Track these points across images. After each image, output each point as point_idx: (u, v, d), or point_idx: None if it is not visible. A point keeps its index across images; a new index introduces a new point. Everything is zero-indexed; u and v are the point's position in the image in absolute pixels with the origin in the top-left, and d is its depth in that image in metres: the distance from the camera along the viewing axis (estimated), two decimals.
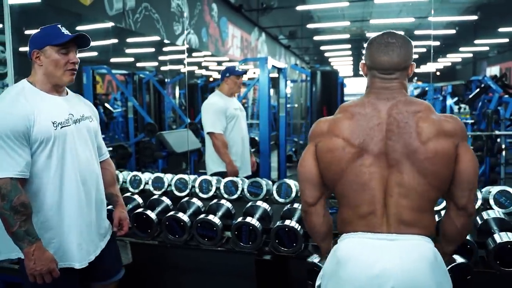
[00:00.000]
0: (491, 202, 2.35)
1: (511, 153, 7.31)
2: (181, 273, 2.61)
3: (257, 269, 2.21)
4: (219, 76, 3.69)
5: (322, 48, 18.24)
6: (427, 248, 1.32)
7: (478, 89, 8.75)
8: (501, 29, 13.95)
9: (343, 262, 1.34)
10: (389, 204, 1.34)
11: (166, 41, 6.56)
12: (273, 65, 5.61)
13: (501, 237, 1.91)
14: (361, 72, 1.51)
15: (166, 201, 2.66)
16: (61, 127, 1.72)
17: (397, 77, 1.41)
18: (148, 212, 2.48)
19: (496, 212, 2.17)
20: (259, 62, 5.24)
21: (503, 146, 6.38)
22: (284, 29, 15.09)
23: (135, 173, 3.20)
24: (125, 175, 3.23)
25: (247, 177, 3.39)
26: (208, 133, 3.41)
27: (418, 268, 1.28)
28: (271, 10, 11.09)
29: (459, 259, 1.56)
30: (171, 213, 2.41)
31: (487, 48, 18.76)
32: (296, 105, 10.32)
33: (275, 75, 6.45)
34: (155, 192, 2.99)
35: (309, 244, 2.23)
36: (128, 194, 2.83)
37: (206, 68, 13.51)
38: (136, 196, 2.75)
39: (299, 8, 10.91)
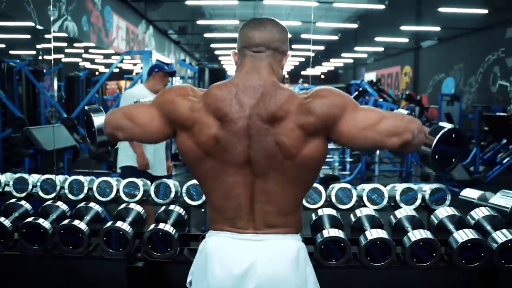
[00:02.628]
0: (365, 199, 2.44)
1: (384, 152, 7.94)
2: (46, 285, 2.32)
3: (129, 277, 2.03)
4: (105, 70, 3.56)
5: (213, 45, 18.21)
6: (290, 245, 1.33)
7: (356, 92, 9.38)
8: (377, 39, 15.15)
9: (210, 259, 1.32)
10: (255, 210, 1.31)
11: (38, 27, 5.95)
12: (158, 60, 5.42)
13: (371, 233, 1.97)
14: (232, 61, 1.42)
15: (26, 205, 2.35)
16: None
17: (267, 57, 1.33)
18: (1, 219, 2.16)
19: (368, 210, 2.25)
20: (143, 55, 5.02)
21: None
22: (174, 24, 14.73)
23: None
24: None
25: (159, 177, 3.23)
26: None
27: (279, 264, 1.29)
28: (161, 3, 10.72)
29: (445, 125, 1.43)
30: (29, 219, 2.12)
31: (365, 55, 20.30)
32: None
33: None
34: (16, 194, 2.63)
35: (185, 248, 2.12)
36: None
37: (92, 61, 12.68)
38: None
39: (189, 3, 10.68)
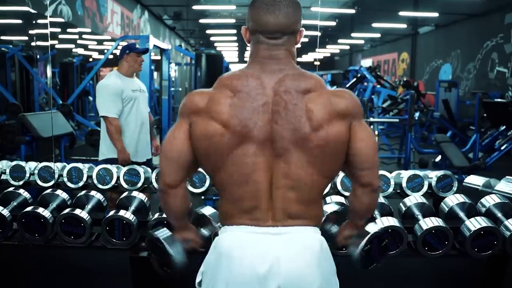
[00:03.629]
0: None
1: (382, 139, 7.91)
2: (47, 275, 2.27)
3: (133, 267, 1.98)
4: (100, 57, 3.38)
5: (208, 32, 17.96)
6: (313, 239, 1.24)
7: (355, 79, 9.31)
8: (374, 24, 15.01)
9: (225, 258, 1.21)
10: (275, 197, 1.21)
11: (31, 10, 5.78)
12: (155, 45, 5.31)
13: (382, 222, 1.93)
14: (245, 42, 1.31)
15: (24, 194, 2.28)
16: None
17: (284, 43, 1.24)
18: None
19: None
20: (140, 41, 4.91)
21: (376, 133, 6.84)
22: (169, 9, 14.50)
23: None
24: None
25: (145, 163, 3.25)
26: (101, 116, 3.18)
27: (303, 261, 1.20)
28: None
29: (372, 227, 1.43)
30: (29, 208, 2.06)
31: (362, 42, 20.13)
32: (180, 89, 10.04)
33: (159, 57, 6.14)
34: (13, 183, 2.55)
35: None
36: None
37: (85, 47, 12.48)
38: None
39: None
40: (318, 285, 1.20)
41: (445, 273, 2.29)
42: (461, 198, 2.16)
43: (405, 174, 2.48)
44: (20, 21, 7.89)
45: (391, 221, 1.93)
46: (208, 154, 1.22)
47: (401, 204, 2.21)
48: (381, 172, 2.45)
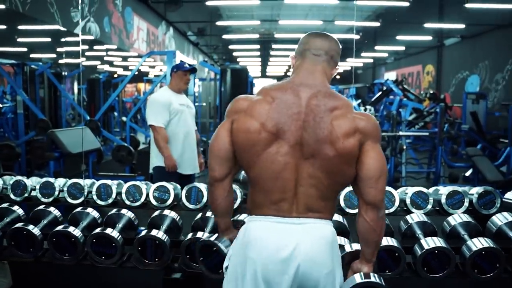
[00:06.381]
0: (408, 203, 2.29)
1: (410, 153, 7.73)
2: None
3: None
4: (124, 73, 3.48)
5: (231, 47, 18.11)
6: (327, 230, 1.44)
7: (380, 92, 9.17)
8: (398, 37, 14.85)
9: (253, 243, 1.41)
10: (299, 193, 1.41)
11: (61, 28, 5.88)
12: (181, 61, 5.32)
13: (427, 243, 1.82)
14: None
15: (55, 212, 2.24)
16: None
17: (324, 62, 1.49)
18: (30, 227, 2.06)
19: (419, 215, 2.09)
20: (167, 56, 4.94)
21: (404, 147, 6.68)
22: (192, 25, 14.68)
23: (19, 177, 2.71)
24: (7, 180, 2.72)
25: (189, 176, 3.45)
26: (150, 125, 3.41)
27: (319, 246, 1.40)
28: (181, 5, 10.61)
29: (373, 278, 1.47)
30: (59, 227, 2.02)
31: (386, 55, 19.93)
32: (204, 104, 10.05)
33: None
34: (43, 200, 2.53)
35: None
36: (5, 204, 2.34)
37: (110, 63, 12.69)
38: (15, 207, 2.28)
39: (209, 3, 10.50)
40: (329, 267, 1.40)
41: None
42: (509, 216, 2.03)
43: (444, 191, 2.36)
44: (51, 39, 8.06)
45: (437, 242, 1.82)
46: (245, 148, 1.42)
47: (445, 223, 2.09)
48: (419, 188, 2.34)
